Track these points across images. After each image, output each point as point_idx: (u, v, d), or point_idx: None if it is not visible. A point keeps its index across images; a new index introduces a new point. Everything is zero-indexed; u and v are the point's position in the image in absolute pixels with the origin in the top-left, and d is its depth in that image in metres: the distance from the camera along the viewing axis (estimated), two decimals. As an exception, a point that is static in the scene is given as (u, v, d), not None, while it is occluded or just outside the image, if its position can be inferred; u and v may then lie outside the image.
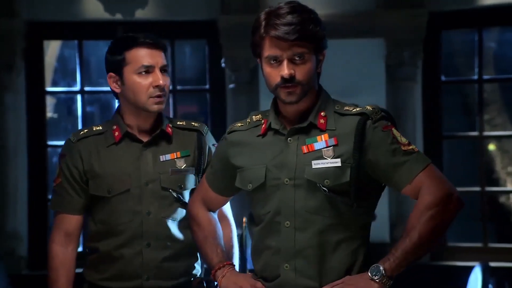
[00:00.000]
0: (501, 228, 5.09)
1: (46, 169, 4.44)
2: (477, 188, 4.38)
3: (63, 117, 5.24)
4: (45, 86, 4.48)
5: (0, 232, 4.30)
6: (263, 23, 1.75)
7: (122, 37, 2.15)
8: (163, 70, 2.08)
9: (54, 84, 4.96)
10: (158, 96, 2.06)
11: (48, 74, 4.73)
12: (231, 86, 4.33)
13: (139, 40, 2.07)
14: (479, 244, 4.34)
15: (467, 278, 3.53)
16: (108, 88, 5.10)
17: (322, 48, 1.79)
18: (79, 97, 4.49)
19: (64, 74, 5.09)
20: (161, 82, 2.05)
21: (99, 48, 4.86)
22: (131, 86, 2.07)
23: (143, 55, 2.06)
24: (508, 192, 5.30)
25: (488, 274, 3.44)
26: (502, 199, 5.14)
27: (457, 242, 4.37)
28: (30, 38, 4.35)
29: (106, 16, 4.35)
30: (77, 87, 4.50)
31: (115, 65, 2.08)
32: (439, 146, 4.37)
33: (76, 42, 4.46)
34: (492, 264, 3.75)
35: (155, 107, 2.07)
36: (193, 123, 2.17)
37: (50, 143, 4.48)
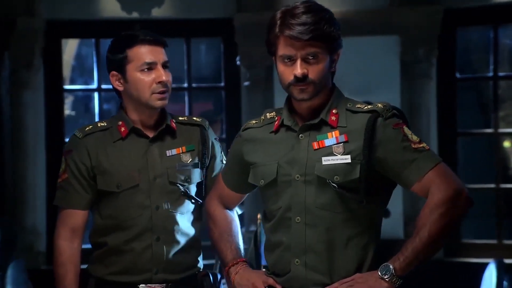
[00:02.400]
0: (516, 225, 5.07)
1: (64, 166, 4.49)
2: (492, 185, 4.38)
3: (81, 115, 5.29)
4: (63, 84, 4.54)
5: (19, 228, 4.35)
6: (278, 22, 1.77)
7: (122, 35, 2.14)
8: (165, 66, 2.10)
9: (72, 82, 5.01)
10: (161, 92, 2.08)
11: (66, 72, 4.79)
12: (246, 83, 4.36)
13: (139, 38, 2.08)
14: (493, 241, 4.34)
15: (482, 275, 3.53)
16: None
17: (337, 47, 1.79)
18: (96, 94, 4.54)
19: (81, 72, 5.14)
20: (164, 78, 2.07)
21: (116, 46, 4.91)
22: (134, 83, 2.08)
23: (145, 52, 2.07)
24: (523, 189, 5.28)
25: (502, 270, 3.44)
26: (517, 196, 5.12)
27: (471, 239, 4.37)
28: (49, 36, 4.40)
29: (123, 14, 4.40)
30: (94, 85, 4.56)
31: (117, 63, 2.09)
32: (454, 143, 4.37)
33: (93, 40, 4.52)
34: (507, 260, 3.73)
35: (159, 103, 2.09)
36: (194, 118, 2.19)
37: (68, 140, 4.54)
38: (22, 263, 3.63)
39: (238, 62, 4.36)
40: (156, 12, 4.42)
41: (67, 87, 4.68)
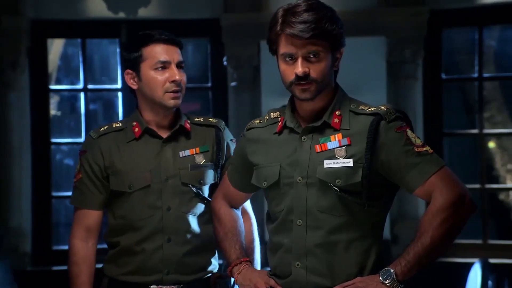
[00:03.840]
0: (500, 225, 5.11)
1: (50, 166, 4.47)
2: (477, 185, 4.41)
3: (67, 115, 5.26)
4: (48, 84, 4.51)
5: (4, 228, 4.34)
6: (280, 20, 1.75)
7: (138, 34, 2.17)
8: (179, 66, 2.11)
9: (58, 82, 4.98)
10: (174, 91, 2.09)
11: (52, 72, 4.76)
12: (233, 84, 4.36)
13: (155, 37, 2.10)
14: (479, 241, 4.37)
15: (467, 275, 3.55)
16: (110, 86, 5.09)
17: (339, 46, 1.78)
18: (82, 95, 4.52)
19: (67, 72, 5.11)
20: (177, 77, 2.08)
21: (102, 46, 4.89)
22: (147, 81, 2.09)
23: (159, 51, 2.09)
24: (507, 189, 5.31)
25: (488, 270, 3.46)
26: (502, 196, 5.16)
27: (457, 239, 4.36)
28: (34, 36, 4.38)
29: (109, 14, 4.38)
30: (80, 85, 4.54)
31: (132, 61, 2.11)
32: (440, 143, 4.39)
33: (79, 40, 4.49)
34: (492, 260, 3.77)
35: (172, 102, 2.09)
36: (210, 119, 2.20)
37: (54, 140, 4.51)
38: (7, 264, 3.61)
39: (225, 63, 4.36)
40: (143, 12, 4.41)
41: (52, 87, 4.65)
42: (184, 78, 2.11)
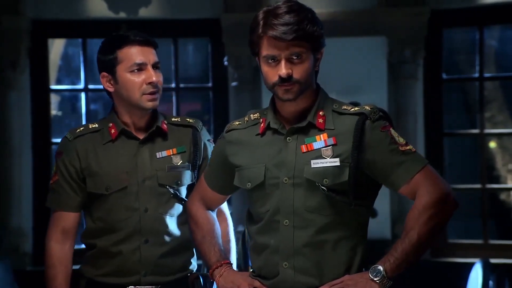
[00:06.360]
0: (501, 225, 5.11)
1: (51, 166, 4.47)
2: (478, 185, 4.41)
3: (67, 115, 5.27)
4: (49, 84, 4.51)
5: (5, 228, 4.34)
6: (261, 22, 1.77)
7: (112, 36, 2.14)
8: (155, 67, 2.09)
9: (58, 82, 4.99)
10: (152, 93, 2.07)
11: (53, 72, 4.76)
12: (234, 84, 4.36)
13: (130, 38, 2.08)
14: (479, 241, 4.37)
15: (468, 275, 3.55)
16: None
17: (320, 46, 1.79)
18: (83, 94, 4.52)
19: (68, 72, 5.12)
20: (154, 78, 2.06)
21: (103, 46, 4.89)
22: (124, 84, 2.07)
23: (134, 53, 2.07)
24: (508, 189, 5.32)
25: (488, 270, 3.46)
26: (503, 196, 5.17)
27: (458, 239, 4.40)
28: (35, 36, 4.38)
29: (110, 14, 4.38)
30: (81, 85, 4.53)
31: (108, 64, 2.09)
32: (440, 143, 4.39)
33: (80, 40, 4.49)
34: (493, 260, 3.77)
35: (149, 104, 2.08)
36: (187, 119, 2.18)
37: (55, 140, 4.50)
38: (8, 264, 3.61)
39: (225, 63, 4.36)
40: (143, 12, 4.41)
41: (53, 87, 4.65)
42: (160, 78, 2.09)
